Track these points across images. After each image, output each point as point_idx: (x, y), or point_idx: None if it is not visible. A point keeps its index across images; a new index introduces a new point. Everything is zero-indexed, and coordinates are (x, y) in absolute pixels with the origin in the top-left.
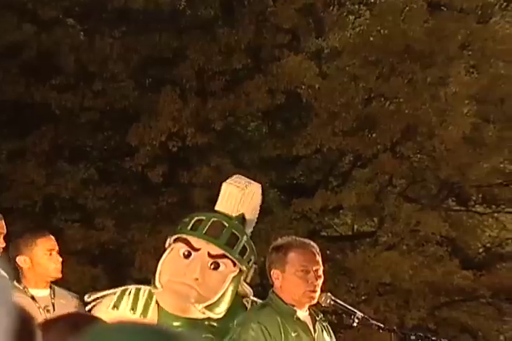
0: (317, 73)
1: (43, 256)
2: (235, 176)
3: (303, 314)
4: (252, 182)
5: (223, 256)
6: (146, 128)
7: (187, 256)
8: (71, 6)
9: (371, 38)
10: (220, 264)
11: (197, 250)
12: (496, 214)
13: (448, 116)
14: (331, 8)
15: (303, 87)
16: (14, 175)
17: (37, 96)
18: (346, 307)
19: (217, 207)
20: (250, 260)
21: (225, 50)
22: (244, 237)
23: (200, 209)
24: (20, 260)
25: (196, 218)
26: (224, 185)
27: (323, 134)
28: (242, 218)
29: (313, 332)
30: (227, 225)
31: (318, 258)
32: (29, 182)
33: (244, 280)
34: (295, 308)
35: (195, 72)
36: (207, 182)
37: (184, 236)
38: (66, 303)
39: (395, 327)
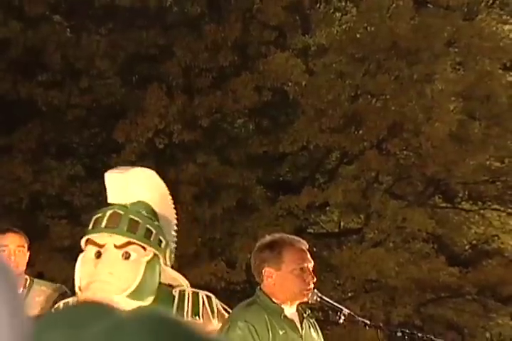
0: (304, 70)
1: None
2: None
3: (290, 311)
4: (135, 167)
5: (130, 244)
6: (133, 125)
7: (98, 255)
8: (58, 3)
9: (358, 35)
10: (131, 253)
11: (102, 246)
12: (482, 211)
13: (434, 113)
14: (318, 5)
15: (289, 83)
16: (0, 171)
17: (23, 92)
18: (332, 304)
19: (110, 201)
20: (161, 242)
21: (211, 47)
22: (146, 220)
23: (186, 206)
24: None
25: (94, 217)
26: (106, 176)
27: (309, 131)
28: (141, 204)
29: (300, 330)
30: (123, 213)
31: (308, 255)
32: (15, 179)
33: (166, 265)
34: (283, 306)
35: (181, 69)
36: (194, 179)
37: (88, 236)
38: (43, 300)
39: (381, 324)
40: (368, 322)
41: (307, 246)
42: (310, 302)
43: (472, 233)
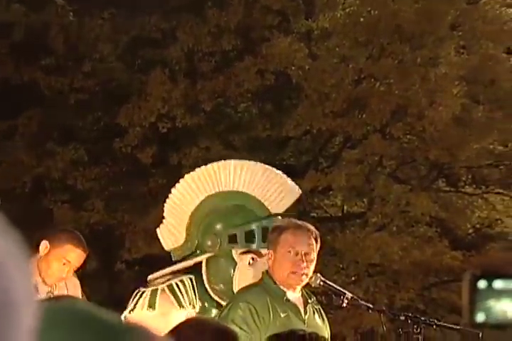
0: (307, 54)
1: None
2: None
3: (294, 295)
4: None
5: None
6: (136, 110)
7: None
8: None
9: (361, 19)
10: None
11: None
12: (485, 195)
13: (438, 97)
14: None
15: (293, 68)
16: (3, 156)
17: (26, 76)
18: (336, 288)
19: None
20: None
21: (214, 31)
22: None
23: None
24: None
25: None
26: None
27: (313, 115)
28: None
29: (303, 314)
30: None
31: (312, 242)
32: (18, 163)
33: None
34: (285, 289)
35: (184, 53)
36: (196, 163)
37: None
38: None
39: (384, 308)
40: (371, 306)
41: (314, 234)
42: (313, 286)
43: (475, 217)
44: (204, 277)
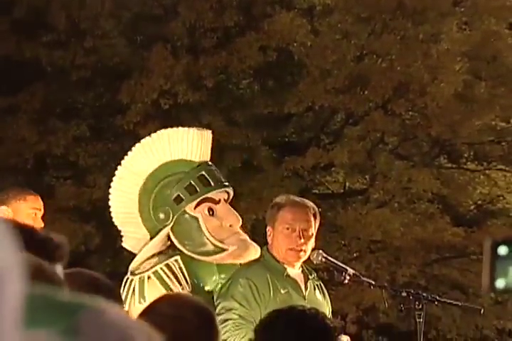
0: (309, 30)
1: (28, 215)
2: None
3: (294, 272)
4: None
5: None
6: (138, 86)
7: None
8: None
9: None
10: None
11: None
12: (487, 171)
13: (440, 73)
14: None
15: (295, 44)
16: (5, 132)
17: (28, 53)
18: (338, 264)
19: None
20: None
21: (216, 6)
22: None
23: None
24: (1, 210)
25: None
26: (196, 133)
27: (315, 92)
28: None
29: (304, 290)
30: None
31: (310, 218)
32: (20, 140)
33: None
34: (285, 265)
35: (186, 29)
36: None
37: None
38: None
39: (386, 284)
40: (373, 282)
41: (312, 210)
42: (315, 262)
43: (477, 193)
44: (180, 247)
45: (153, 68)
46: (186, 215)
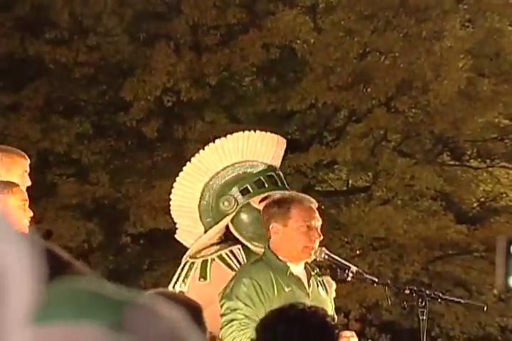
0: (312, 27)
1: (19, 207)
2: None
3: (297, 269)
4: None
5: None
6: (141, 83)
7: None
8: None
9: None
10: None
11: None
12: (490, 169)
13: (443, 71)
14: None
15: (298, 41)
16: (8, 129)
17: (31, 50)
18: (341, 262)
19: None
20: None
21: (219, 4)
22: None
23: None
24: None
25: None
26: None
27: (318, 89)
28: None
29: (307, 288)
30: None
31: (317, 214)
32: (23, 137)
33: None
34: (288, 264)
35: (189, 26)
36: (201, 137)
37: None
38: None
39: (389, 281)
40: (376, 279)
41: (316, 205)
42: (318, 259)
43: (480, 190)
44: (239, 237)
45: (156, 65)
46: (250, 207)
